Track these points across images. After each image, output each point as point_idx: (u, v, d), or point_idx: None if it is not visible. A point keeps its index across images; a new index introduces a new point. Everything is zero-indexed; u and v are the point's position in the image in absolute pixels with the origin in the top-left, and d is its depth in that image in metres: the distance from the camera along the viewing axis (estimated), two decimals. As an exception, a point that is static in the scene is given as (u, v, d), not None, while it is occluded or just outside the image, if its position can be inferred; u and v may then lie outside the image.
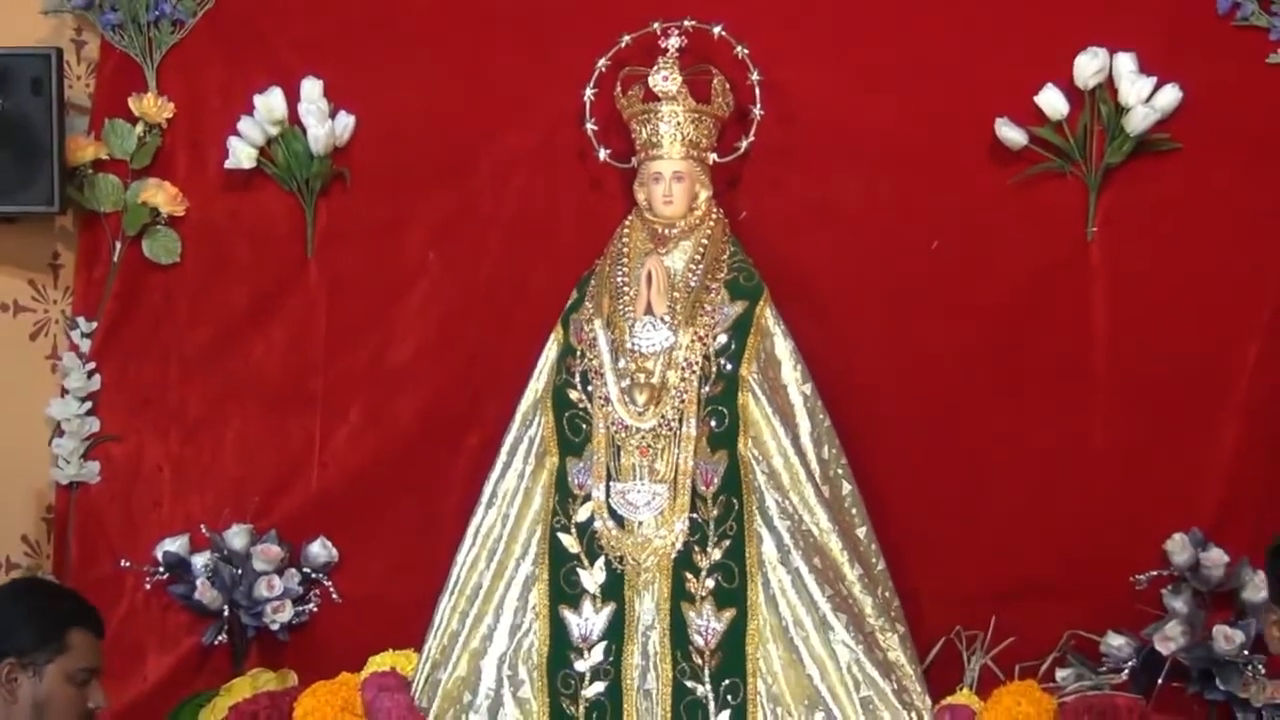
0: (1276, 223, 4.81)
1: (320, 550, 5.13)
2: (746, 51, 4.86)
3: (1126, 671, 4.72)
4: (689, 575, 4.55)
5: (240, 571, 5.07)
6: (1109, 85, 4.82)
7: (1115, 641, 4.75)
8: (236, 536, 5.11)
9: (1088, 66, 4.79)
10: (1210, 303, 4.84)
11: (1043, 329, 4.91)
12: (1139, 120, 4.76)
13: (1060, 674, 4.75)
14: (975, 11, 4.97)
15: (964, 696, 4.65)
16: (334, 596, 5.13)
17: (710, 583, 4.55)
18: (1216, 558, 4.70)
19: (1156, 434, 4.84)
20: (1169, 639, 4.65)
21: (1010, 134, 4.84)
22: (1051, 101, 4.83)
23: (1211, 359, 4.83)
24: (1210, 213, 4.84)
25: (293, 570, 5.10)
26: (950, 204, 4.95)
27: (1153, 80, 4.77)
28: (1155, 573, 4.74)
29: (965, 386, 4.94)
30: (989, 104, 4.88)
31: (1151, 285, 4.87)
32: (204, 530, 5.15)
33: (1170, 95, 4.77)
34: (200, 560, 5.10)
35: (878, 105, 4.97)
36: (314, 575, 5.12)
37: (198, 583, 5.06)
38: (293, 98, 5.17)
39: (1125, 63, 4.79)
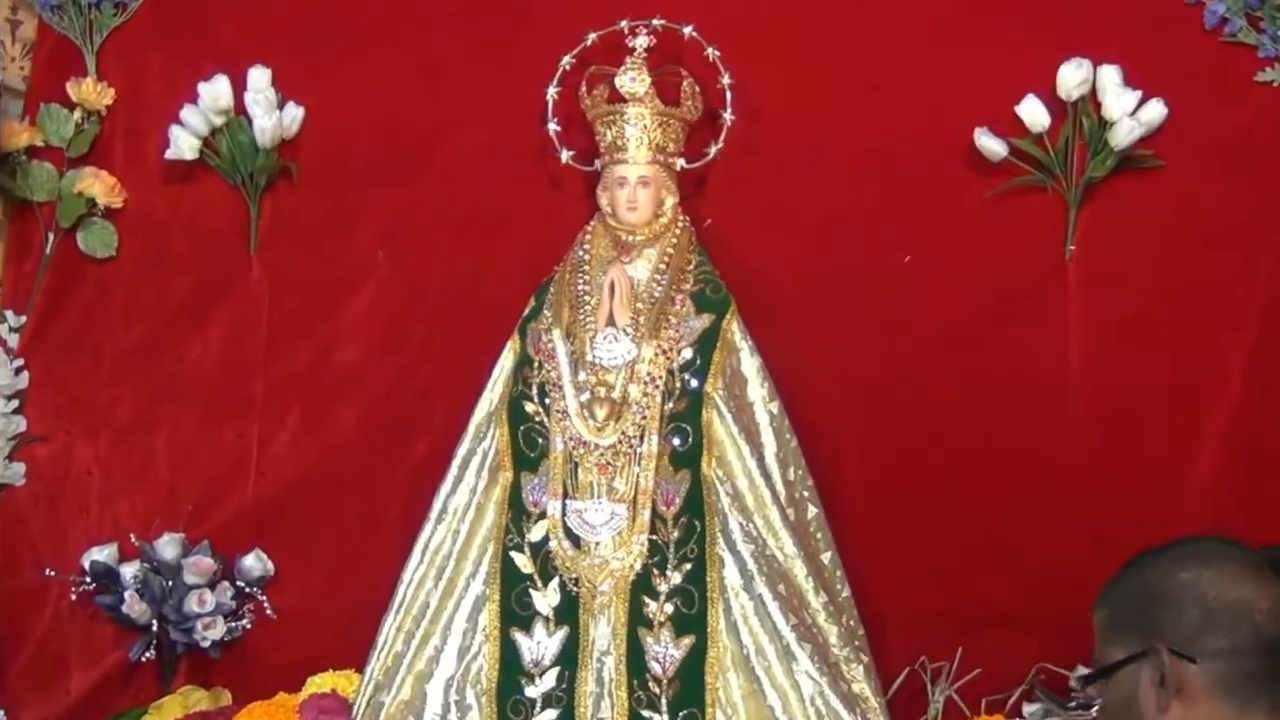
0: (1260, 243, 4.74)
1: (255, 563, 5.00)
2: (718, 53, 4.76)
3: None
4: (647, 599, 4.44)
5: (170, 584, 4.94)
6: (1092, 98, 4.74)
7: (1085, 676, 4.63)
8: (167, 547, 4.98)
9: (1071, 78, 4.71)
10: (1191, 326, 4.76)
11: (1016, 348, 4.82)
12: (1123, 134, 4.68)
13: (1028, 709, 4.65)
14: (957, 17, 4.89)
15: (929, 730, 4.56)
16: (268, 612, 5.00)
17: (669, 608, 4.44)
18: (1191, 591, 4.60)
19: (1133, 461, 4.76)
20: (1142, 676, 4.53)
21: (990, 144, 4.75)
22: (1033, 112, 4.74)
23: (1191, 384, 4.75)
24: (1193, 232, 4.77)
25: (225, 584, 4.98)
26: (925, 215, 4.86)
27: (1138, 94, 4.69)
28: (1130, 606, 4.63)
29: (935, 407, 4.85)
30: (968, 113, 4.79)
31: (1130, 306, 4.79)
32: (133, 539, 5.02)
33: (1155, 110, 4.69)
34: (129, 571, 4.97)
35: (852, 110, 4.88)
36: (248, 589, 4.99)
37: (126, 595, 4.92)
38: (239, 87, 5.06)
39: (1110, 75, 4.71)
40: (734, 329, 4.62)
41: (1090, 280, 4.79)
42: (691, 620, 4.44)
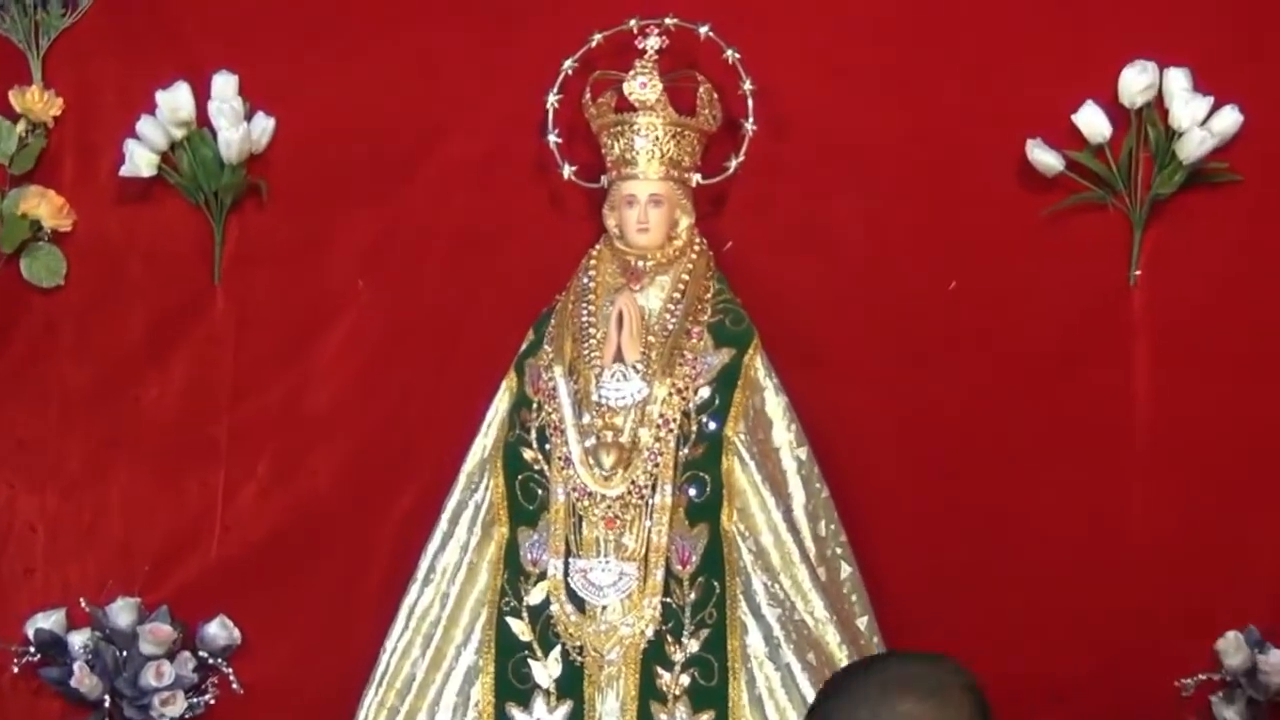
0: (1348, 268, 4.53)
1: (219, 631, 4.77)
2: (738, 56, 4.51)
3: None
4: (660, 670, 4.24)
5: (125, 654, 4.73)
6: (1159, 105, 4.49)
7: (1157, 757, 4.42)
8: (121, 612, 4.75)
9: (1135, 83, 4.46)
10: (1271, 357, 4.51)
11: (1076, 387, 4.57)
12: (1193, 146, 4.42)
13: (1091, 796, 4.44)
14: (1007, 16, 4.65)
15: (978, 821, 4.29)
16: (234, 686, 4.78)
17: (685, 680, 4.24)
18: (1276, 661, 4.36)
19: (1207, 514, 4.50)
20: (1220, 756, 4.37)
21: (1044, 158, 4.50)
22: (1092, 122, 4.49)
23: (1272, 426, 4.49)
24: (1271, 254, 4.51)
25: (186, 654, 4.75)
26: (972, 238, 4.62)
27: (1209, 100, 4.44)
28: (1204, 676, 4.43)
29: (984, 453, 4.59)
30: (1020, 122, 4.55)
31: (1203, 338, 4.53)
32: (83, 604, 4.79)
33: (1230, 118, 4.43)
34: (78, 640, 4.75)
35: (890, 120, 4.64)
36: (211, 660, 4.76)
37: (75, 666, 4.71)
38: (202, 95, 4.82)
39: (1178, 79, 4.46)
40: (757, 365, 4.43)
41: (1158, 308, 4.55)
42: (710, 693, 4.23)
